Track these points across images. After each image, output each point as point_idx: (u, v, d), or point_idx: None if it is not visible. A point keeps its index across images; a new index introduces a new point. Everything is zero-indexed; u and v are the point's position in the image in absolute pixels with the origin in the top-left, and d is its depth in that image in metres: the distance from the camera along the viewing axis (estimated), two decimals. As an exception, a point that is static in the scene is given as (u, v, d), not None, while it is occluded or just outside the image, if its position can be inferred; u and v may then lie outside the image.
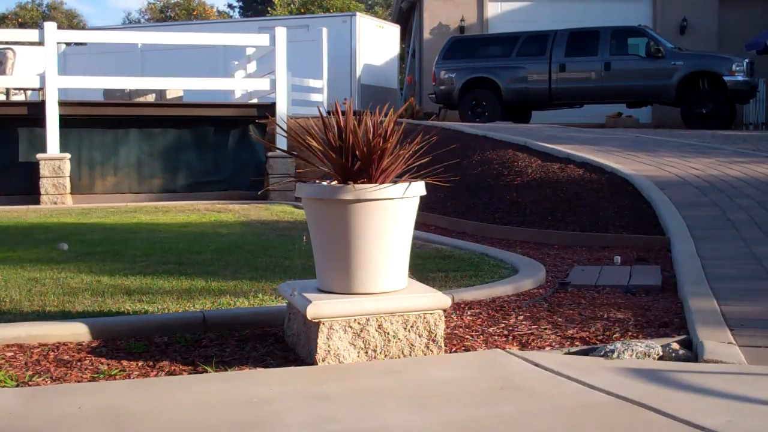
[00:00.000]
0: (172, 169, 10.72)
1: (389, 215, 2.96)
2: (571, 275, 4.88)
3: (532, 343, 3.33)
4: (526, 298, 4.21)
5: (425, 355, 3.03)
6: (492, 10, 18.83)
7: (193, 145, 10.81)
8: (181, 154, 10.75)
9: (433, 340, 3.05)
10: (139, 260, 5.22)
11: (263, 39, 11.37)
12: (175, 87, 11.81)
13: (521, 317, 3.78)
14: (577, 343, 3.32)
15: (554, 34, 15.10)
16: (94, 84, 11.36)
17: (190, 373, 2.90)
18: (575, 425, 2.29)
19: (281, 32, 10.76)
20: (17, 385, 2.74)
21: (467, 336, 3.43)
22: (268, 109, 10.68)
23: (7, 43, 12.26)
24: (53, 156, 9.77)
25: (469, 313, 3.85)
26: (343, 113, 3.00)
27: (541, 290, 4.45)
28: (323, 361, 2.90)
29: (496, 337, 3.42)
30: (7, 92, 11.31)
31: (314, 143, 3.06)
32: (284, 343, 3.28)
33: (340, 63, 16.96)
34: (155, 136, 10.71)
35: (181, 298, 3.96)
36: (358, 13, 18.63)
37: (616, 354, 3.05)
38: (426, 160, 3.21)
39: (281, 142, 10.12)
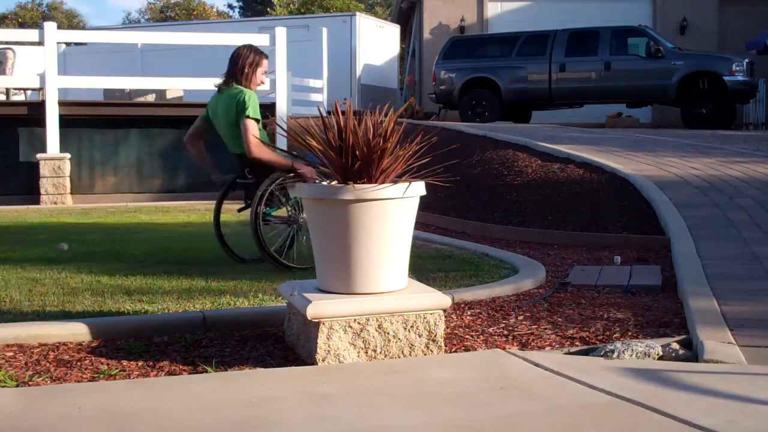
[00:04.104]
0: (172, 169, 10.72)
1: (389, 215, 2.96)
2: (571, 275, 4.88)
3: (532, 343, 3.33)
4: (526, 298, 4.21)
5: (425, 355, 3.03)
6: (492, 10, 18.82)
7: (193, 145, 10.79)
8: (181, 154, 10.71)
9: (433, 340, 3.04)
10: (139, 260, 5.22)
11: (263, 39, 11.37)
12: (175, 87, 11.81)
13: (521, 317, 3.77)
14: (577, 343, 3.32)
15: (554, 34, 15.10)
16: (94, 84, 11.36)
17: (190, 373, 2.90)
18: (575, 425, 2.29)
19: (281, 32, 10.76)
20: (17, 385, 2.74)
21: (467, 336, 3.43)
22: (268, 109, 10.67)
23: (7, 43, 12.26)
24: (53, 156, 9.77)
25: (469, 313, 3.85)
26: (343, 113, 3.00)
27: (541, 290, 4.45)
28: (323, 361, 2.90)
29: (496, 337, 3.42)
30: (7, 92, 11.30)
31: (314, 143, 3.06)
32: (284, 343, 3.28)
33: (340, 63, 16.95)
34: (155, 136, 10.71)
35: (181, 298, 3.96)
36: (358, 13, 18.62)
37: (616, 354, 3.05)
38: (426, 160, 3.21)
39: (281, 142, 10.12)
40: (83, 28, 40.43)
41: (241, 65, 5.11)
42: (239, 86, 5.09)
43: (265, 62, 5.22)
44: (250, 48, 5.19)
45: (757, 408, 2.40)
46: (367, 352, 2.96)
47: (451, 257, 5.44)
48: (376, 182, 2.99)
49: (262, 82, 5.26)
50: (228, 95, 5.08)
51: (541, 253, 5.85)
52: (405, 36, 22.93)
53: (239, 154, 5.13)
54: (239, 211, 5.43)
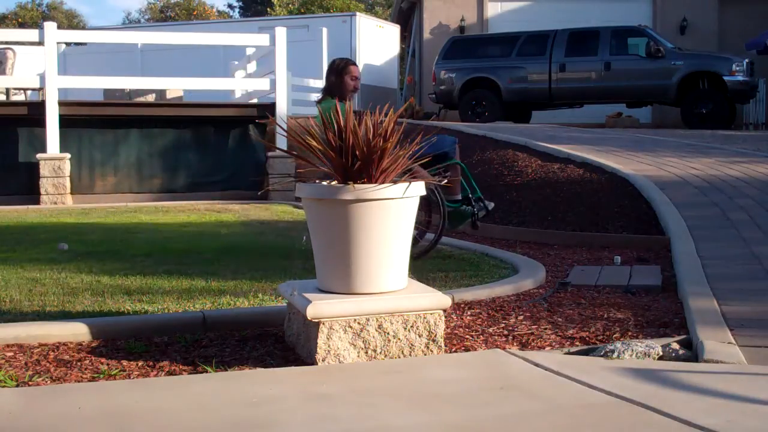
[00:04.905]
0: (172, 169, 10.71)
1: (389, 215, 2.96)
2: (571, 275, 4.88)
3: (532, 343, 3.33)
4: (526, 298, 4.21)
5: (425, 355, 3.03)
6: (492, 10, 18.83)
7: (193, 145, 10.80)
8: (181, 154, 10.74)
9: (433, 340, 3.04)
10: (139, 260, 5.22)
11: (263, 39, 11.37)
12: (175, 87, 11.81)
13: (521, 317, 3.77)
14: (577, 343, 3.32)
15: (554, 34, 15.11)
16: (94, 84, 11.36)
17: (190, 373, 2.90)
18: (575, 425, 2.29)
19: (281, 32, 10.75)
20: (17, 385, 2.74)
21: (467, 336, 3.43)
22: (268, 109, 10.67)
23: (7, 43, 12.26)
24: (53, 156, 9.77)
25: (469, 313, 3.85)
26: (343, 113, 3.00)
27: (541, 290, 4.45)
28: (323, 361, 2.90)
29: (496, 337, 3.42)
30: (7, 92, 11.30)
31: (314, 143, 3.06)
32: (284, 343, 3.28)
33: (340, 63, 16.91)
34: (155, 136, 10.70)
35: (181, 298, 3.96)
36: (358, 13, 18.62)
37: (616, 354, 3.05)
38: (426, 160, 3.21)
39: (281, 142, 10.12)
40: (83, 28, 40.42)
41: (327, 75, 5.35)
42: (331, 99, 5.25)
43: (352, 68, 5.38)
44: (339, 58, 5.43)
45: (757, 408, 2.40)
46: (367, 352, 2.96)
47: (451, 257, 5.44)
48: (376, 182, 2.99)
49: (356, 88, 5.40)
50: (322, 110, 5.27)
51: (541, 253, 5.85)
52: (405, 36, 22.93)
53: None
54: None
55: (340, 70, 5.30)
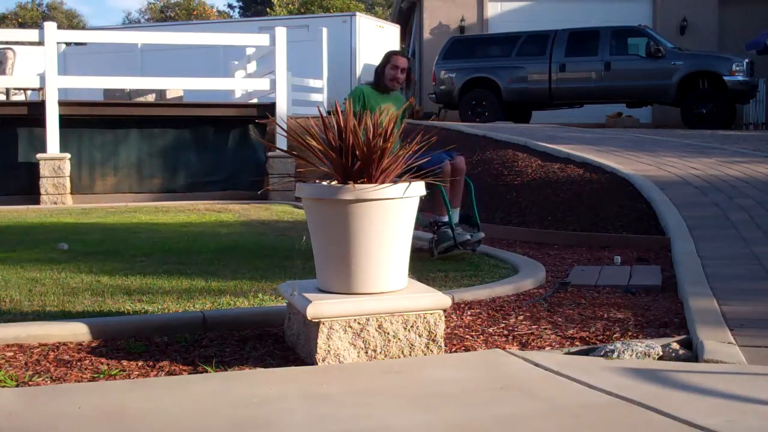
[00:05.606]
0: (172, 169, 10.70)
1: (389, 215, 2.96)
2: (571, 275, 4.88)
3: (532, 343, 3.33)
4: (526, 298, 4.21)
5: (425, 355, 3.02)
6: (492, 10, 18.83)
7: (193, 145, 10.80)
8: (181, 154, 10.74)
9: (433, 340, 3.04)
10: (139, 260, 5.22)
11: (263, 39, 11.37)
12: (175, 87, 11.80)
13: (521, 317, 3.77)
14: (577, 343, 3.32)
15: (554, 34, 15.11)
16: (94, 84, 11.35)
17: (190, 373, 2.90)
18: (575, 425, 2.29)
19: (281, 32, 10.75)
20: (17, 385, 2.74)
21: (467, 336, 3.43)
22: (268, 109, 10.67)
23: (7, 43, 12.26)
24: (53, 156, 9.76)
25: (469, 313, 3.85)
26: (343, 113, 3.00)
27: (541, 290, 4.45)
28: (323, 361, 2.90)
29: (496, 337, 3.42)
30: (7, 92, 11.29)
31: (314, 143, 3.06)
32: (284, 343, 3.28)
33: (340, 63, 16.95)
34: (155, 136, 10.70)
35: (181, 298, 3.96)
36: (358, 13, 18.63)
37: (616, 354, 3.05)
38: (426, 159, 3.21)
39: (281, 142, 10.11)
40: (83, 28, 40.42)
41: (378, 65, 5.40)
42: (366, 86, 5.33)
43: (394, 57, 5.34)
44: (392, 49, 5.48)
45: (757, 408, 2.40)
46: (367, 352, 2.96)
47: (451, 257, 5.44)
48: (376, 182, 2.98)
49: (394, 77, 5.33)
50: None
51: (541, 253, 5.85)
52: (405, 36, 22.94)
53: None
54: None
55: (385, 58, 5.32)
